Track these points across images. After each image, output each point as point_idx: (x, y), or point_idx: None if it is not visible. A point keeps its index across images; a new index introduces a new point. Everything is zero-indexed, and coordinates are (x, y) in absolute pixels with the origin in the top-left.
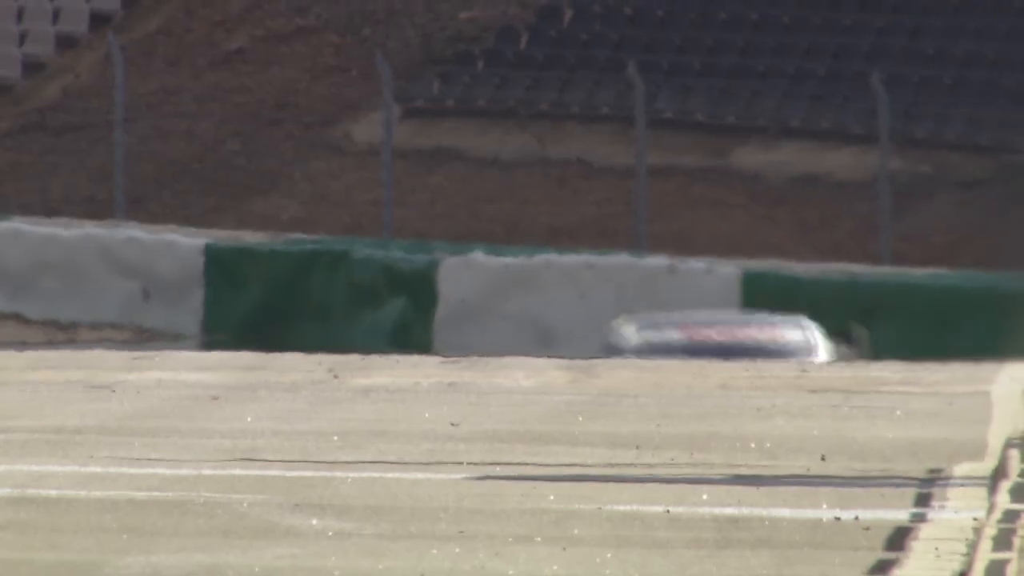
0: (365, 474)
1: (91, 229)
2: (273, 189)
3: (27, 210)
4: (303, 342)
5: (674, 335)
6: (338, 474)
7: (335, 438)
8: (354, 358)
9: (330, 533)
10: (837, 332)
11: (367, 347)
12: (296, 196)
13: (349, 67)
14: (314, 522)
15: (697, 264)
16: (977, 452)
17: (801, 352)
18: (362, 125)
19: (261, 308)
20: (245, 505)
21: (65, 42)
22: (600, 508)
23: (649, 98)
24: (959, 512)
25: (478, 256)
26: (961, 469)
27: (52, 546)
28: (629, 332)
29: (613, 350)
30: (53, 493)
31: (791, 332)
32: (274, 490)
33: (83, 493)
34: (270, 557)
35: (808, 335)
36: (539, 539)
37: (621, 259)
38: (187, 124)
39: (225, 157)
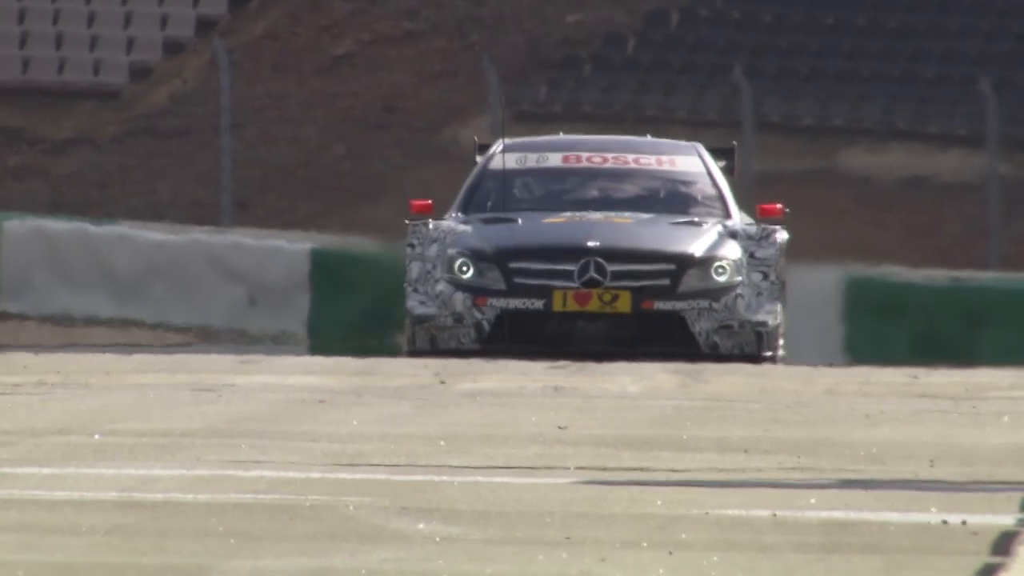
0: (472, 478)
1: (198, 234)
2: (380, 194)
3: (134, 214)
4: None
5: (555, 160)
6: (445, 478)
7: (442, 442)
8: (460, 363)
9: (437, 538)
10: (717, 150)
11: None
12: (403, 201)
13: (456, 71)
14: (421, 526)
15: (801, 267)
16: None
17: (696, 180)
18: (469, 129)
19: (367, 313)
20: (352, 509)
21: (172, 48)
22: (707, 513)
23: (756, 102)
24: None
25: None
26: None
27: (159, 550)
28: (508, 156)
29: (490, 174)
30: (160, 496)
31: (686, 160)
32: (381, 494)
33: (190, 496)
34: (376, 561)
35: (704, 163)
36: (646, 544)
37: None
38: (293, 129)
39: (331, 162)
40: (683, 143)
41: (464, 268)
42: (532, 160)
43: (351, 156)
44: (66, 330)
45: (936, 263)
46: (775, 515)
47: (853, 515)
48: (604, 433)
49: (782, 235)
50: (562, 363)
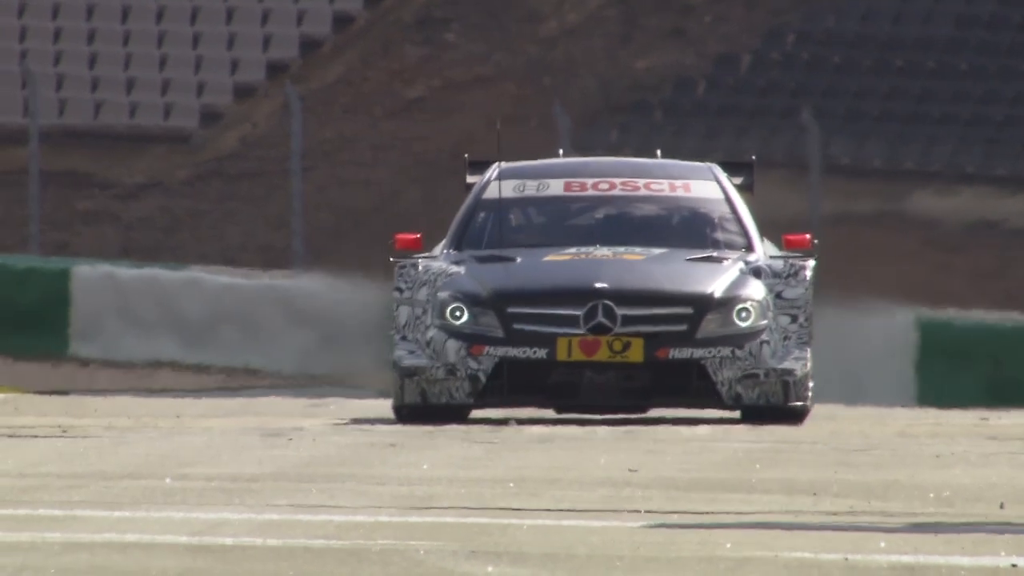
0: (541, 521)
1: (269, 279)
2: None
3: (205, 258)
4: None
5: (556, 187)
6: (514, 521)
7: (511, 485)
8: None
9: None
10: (733, 165)
11: None
12: None
13: (528, 116)
14: (490, 569)
15: (872, 310)
16: None
17: (714, 208)
18: None
19: None
20: (421, 552)
21: (243, 92)
22: (777, 555)
23: (824, 144)
24: None
25: None
26: None
27: None
28: (504, 184)
29: (484, 204)
30: (229, 541)
31: (702, 184)
32: (450, 537)
33: (259, 541)
34: None
35: (723, 188)
36: None
37: None
38: (365, 172)
39: (404, 206)
40: (698, 165)
41: (457, 313)
42: (531, 188)
43: (424, 200)
44: (135, 374)
45: (1005, 306)
46: (846, 559)
47: (923, 559)
48: (674, 476)
49: (810, 269)
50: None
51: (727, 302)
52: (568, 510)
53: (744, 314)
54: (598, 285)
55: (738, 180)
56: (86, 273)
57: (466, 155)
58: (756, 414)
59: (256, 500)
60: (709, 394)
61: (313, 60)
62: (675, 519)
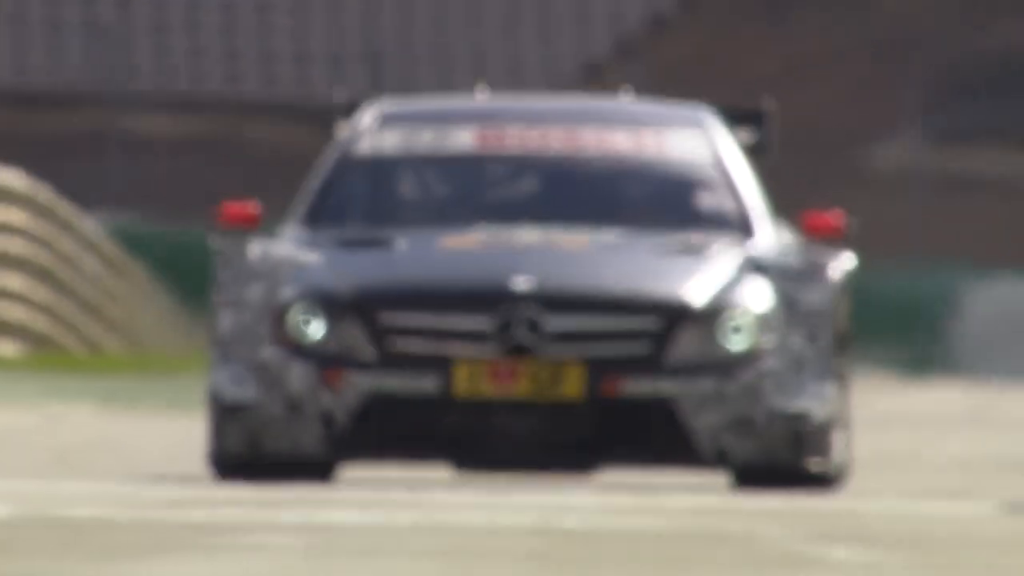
0: (893, 504)
1: None
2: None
3: None
4: None
5: (462, 139)
6: (864, 504)
7: (861, 467)
8: (877, 381)
9: (856, 564)
10: (740, 114)
11: (882, 371)
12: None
13: (875, 92)
14: (842, 552)
15: None
16: None
17: (700, 173)
18: (886, 150)
19: None
20: (773, 535)
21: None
22: None
23: None
24: None
25: (1003, 282)
26: None
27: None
28: (387, 133)
29: (355, 163)
30: (575, 524)
31: (682, 137)
32: (801, 521)
33: (604, 524)
34: None
35: (712, 143)
36: None
37: None
38: None
39: None
40: (679, 109)
41: (306, 323)
42: (425, 139)
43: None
44: None
45: None
46: None
47: None
48: None
49: (842, 265)
50: (980, 385)
51: (712, 313)
52: (921, 493)
53: (737, 330)
54: (518, 282)
55: (745, 135)
56: None
57: (332, 86)
58: (752, 476)
59: (599, 483)
60: (680, 448)
61: (662, 36)
62: None
